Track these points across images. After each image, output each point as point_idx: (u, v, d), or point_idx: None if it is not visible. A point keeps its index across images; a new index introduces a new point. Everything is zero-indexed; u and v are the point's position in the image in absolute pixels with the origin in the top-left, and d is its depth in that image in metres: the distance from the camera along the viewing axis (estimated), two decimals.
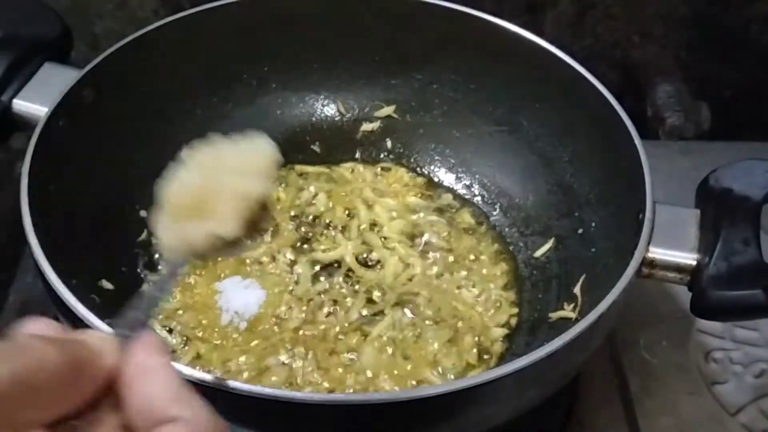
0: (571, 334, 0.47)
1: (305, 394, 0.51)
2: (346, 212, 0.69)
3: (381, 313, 0.62)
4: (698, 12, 0.87)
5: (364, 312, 0.62)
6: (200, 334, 0.60)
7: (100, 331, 0.36)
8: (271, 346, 0.60)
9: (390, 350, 0.60)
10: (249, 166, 0.41)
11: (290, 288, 0.63)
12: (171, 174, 0.41)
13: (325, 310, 0.62)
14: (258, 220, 0.41)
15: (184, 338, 0.60)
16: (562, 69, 0.63)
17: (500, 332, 0.62)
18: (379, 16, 0.69)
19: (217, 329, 0.61)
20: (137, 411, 0.31)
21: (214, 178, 0.40)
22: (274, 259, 0.65)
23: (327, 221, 0.68)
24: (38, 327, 0.32)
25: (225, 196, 0.40)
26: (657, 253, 0.53)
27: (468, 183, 0.72)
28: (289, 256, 0.66)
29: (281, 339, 0.60)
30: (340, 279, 0.64)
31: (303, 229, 0.68)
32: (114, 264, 0.62)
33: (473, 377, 0.46)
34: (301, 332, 0.61)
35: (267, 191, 0.41)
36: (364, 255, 0.66)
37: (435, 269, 0.65)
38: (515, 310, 0.64)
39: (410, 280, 0.65)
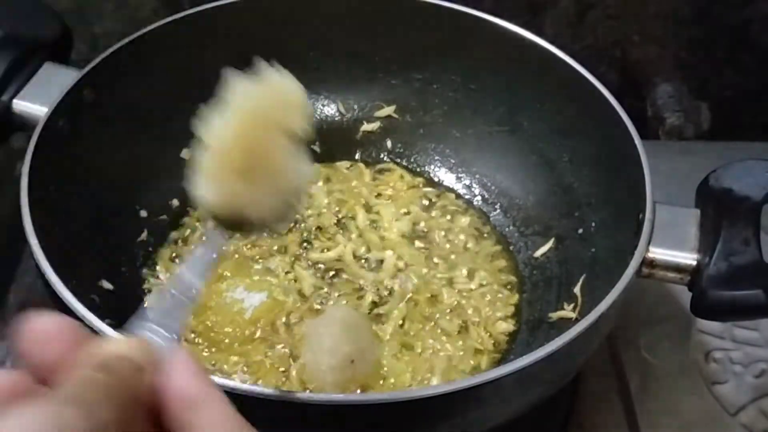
0: (571, 334, 0.47)
1: (305, 394, 0.51)
2: (346, 212, 0.69)
3: (383, 314, 0.62)
4: (698, 12, 0.87)
5: (367, 311, 0.62)
6: (198, 336, 0.60)
7: (129, 336, 0.32)
8: (272, 346, 0.60)
9: (399, 348, 0.60)
10: (286, 108, 0.38)
11: (290, 288, 0.63)
12: (209, 116, 0.37)
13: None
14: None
15: (184, 339, 0.60)
16: (562, 69, 0.64)
17: (503, 327, 0.62)
18: (380, 16, 0.69)
19: (215, 330, 0.60)
20: None
21: (257, 125, 0.37)
22: (273, 258, 0.65)
23: (327, 221, 0.68)
24: (47, 325, 0.29)
25: (275, 148, 0.36)
26: (657, 253, 0.53)
27: (468, 183, 0.72)
28: (289, 255, 0.66)
29: (283, 339, 0.60)
30: (341, 279, 0.64)
31: (302, 228, 0.68)
32: (114, 264, 0.62)
33: (473, 377, 0.46)
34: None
35: (307, 129, 0.38)
36: (364, 255, 0.66)
37: (435, 269, 0.66)
38: (515, 310, 0.63)
39: (409, 279, 0.64)
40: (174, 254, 0.66)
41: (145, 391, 0.29)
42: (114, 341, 0.31)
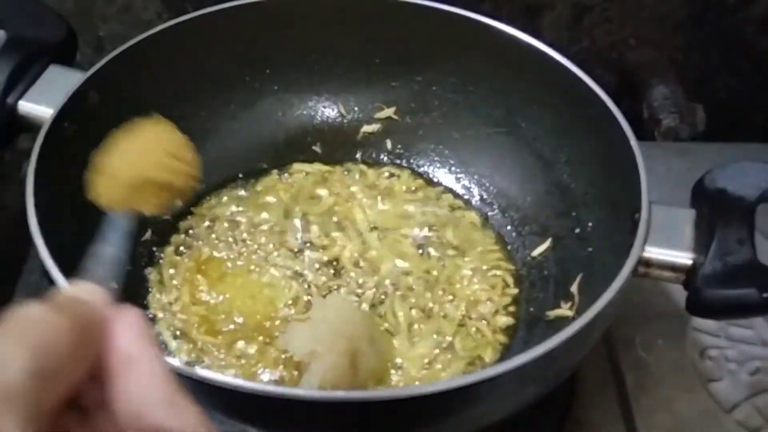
0: (568, 333, 0.47)
1: (305, 390, 0.51)
2: (346, 212, 0.70)
3: (383, 313, 0.63)
4: (694, 15, 0.87)
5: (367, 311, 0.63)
6: (202, 332, 0.61)
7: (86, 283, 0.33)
8: (271, 344, 0.60)
9: (399, 348, 0.61)
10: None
11: (290, 288, 0.64)
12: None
13: None
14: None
15: (186, 336, 0.61)
16: (559, 71, 0.64)
17: (501, 325, 0.63)
18: (380, 19, 0.70)
19: (214, 327, 0.61)
20: (122, 409, 0.28)
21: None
22: (272, 258, 0.66)
23: (327, 221, 0.69)
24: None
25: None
26: (653, 252, 0.53)
27: (467, 183, 0.72)
28: (289, 255, 0.66)
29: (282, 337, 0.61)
30: (340, 279, 0.65)
31: (302, 228, 0.68)
32: None
33: (470, 375, 0.46)
34: None
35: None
36: (364, 255, 0.66)
37: (433, 268, 0.66)
38: (513, 309, 0.64)
39: (409, 278, 0.65)
40: (176, 252, 0.66)
41: (92, 334, 0.29)
42: (73, 285, 0.32)
